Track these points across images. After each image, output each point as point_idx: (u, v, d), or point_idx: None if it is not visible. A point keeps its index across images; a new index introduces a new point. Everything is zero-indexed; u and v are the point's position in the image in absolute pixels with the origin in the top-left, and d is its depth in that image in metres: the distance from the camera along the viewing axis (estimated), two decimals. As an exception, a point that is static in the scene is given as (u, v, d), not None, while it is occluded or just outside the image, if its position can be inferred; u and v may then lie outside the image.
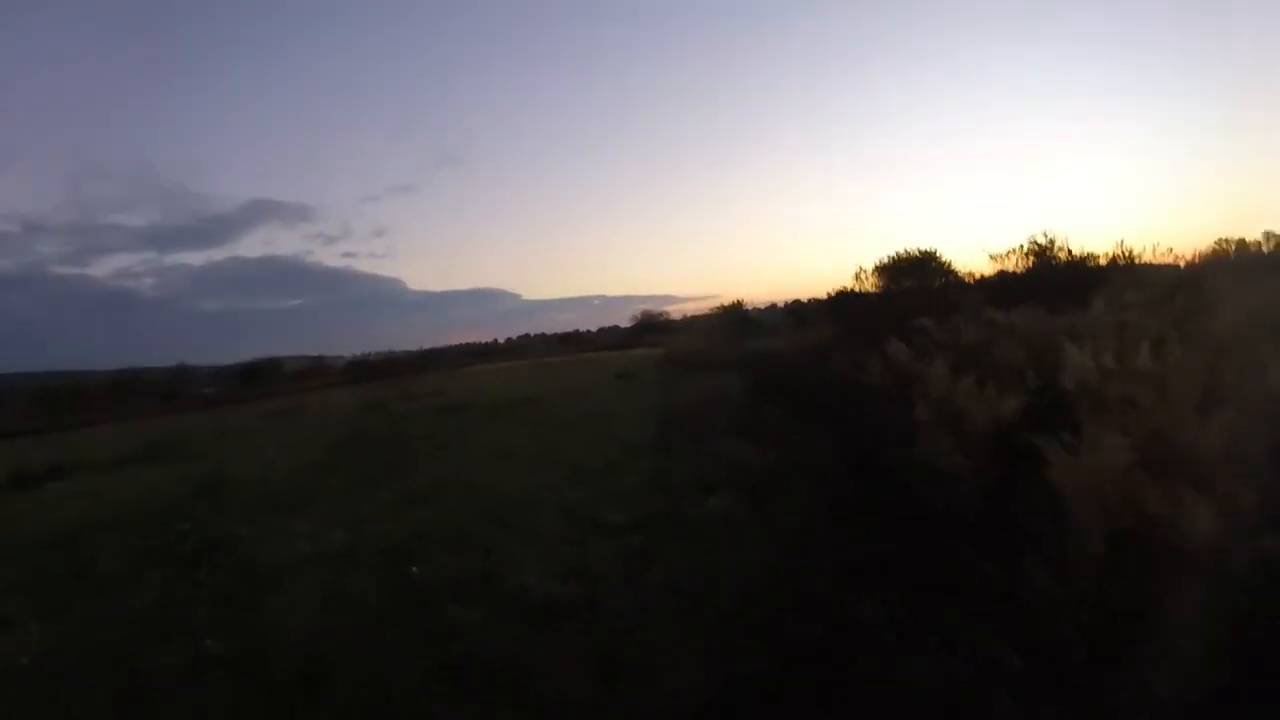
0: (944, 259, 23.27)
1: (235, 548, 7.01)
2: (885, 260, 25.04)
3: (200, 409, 38.22)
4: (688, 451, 8.69)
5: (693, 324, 57.62)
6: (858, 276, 26.36)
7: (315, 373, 72.05)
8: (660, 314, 74.43)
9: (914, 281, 25.10)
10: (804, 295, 33.47)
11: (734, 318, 27.53)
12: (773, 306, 28.50)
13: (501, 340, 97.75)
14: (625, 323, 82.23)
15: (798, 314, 27.52)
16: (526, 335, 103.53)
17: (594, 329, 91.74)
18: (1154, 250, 12.05)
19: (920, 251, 24.22)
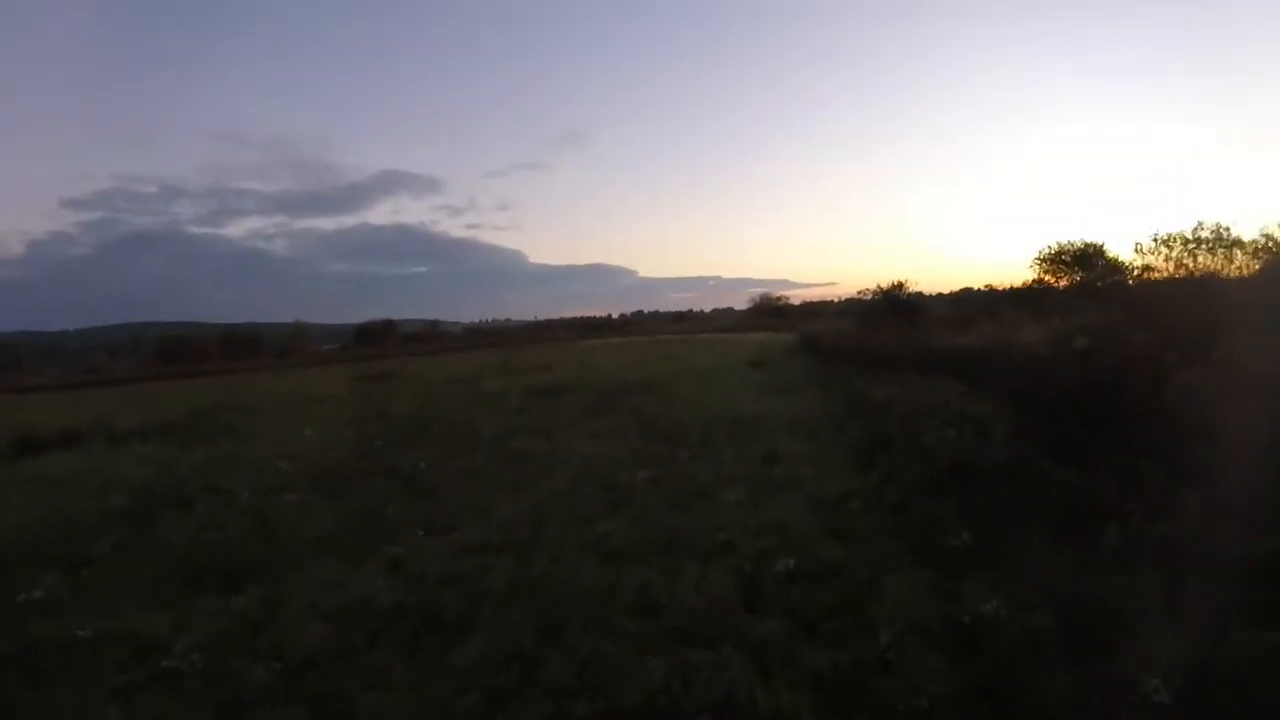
0: (1110, 253, 21.35)
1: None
2: (1049, 252, 22.04)
3: (302, 366, 37.94)
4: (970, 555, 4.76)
5: (835, 309, 53.36)
6: (1041, 266, 22.28)
7: (429, 337, 72.51)
8: (779, 297, 71.74)
9: (1084, 275, 21.46)
10: (959, 284, 28.86)
11: (894, 303, 22.93)
12: (919, 294, 23.70)
13: (615, 315, 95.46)
14: (741, 305, 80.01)
15: (980, 302, 22.83)
16: (640, 312, 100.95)
17: (708, 309, 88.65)
18: None
19: (1085, 244, 22.22)
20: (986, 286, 24.53)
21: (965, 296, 25.86)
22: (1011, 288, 23.61)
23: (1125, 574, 3.92)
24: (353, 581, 5.05)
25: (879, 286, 24.28)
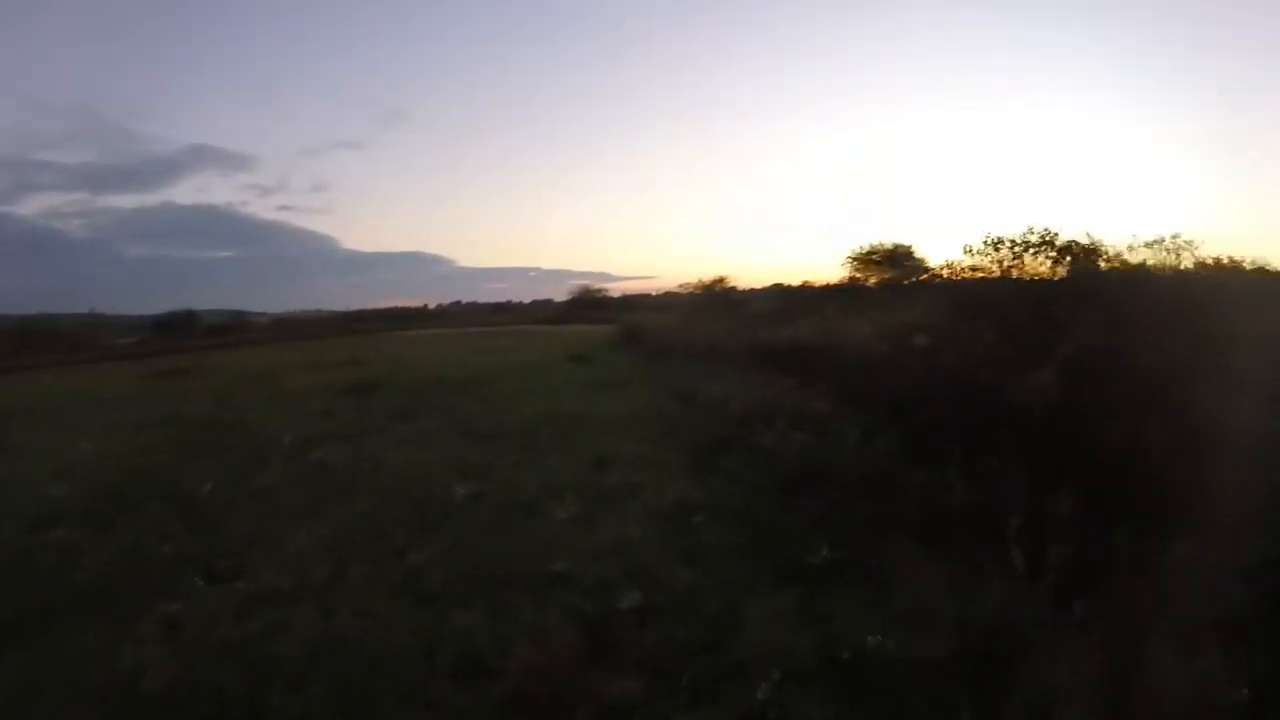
0: (917, 253, 22.32)
1: None
2: (860, 251, 23.12)
3: (93, 362, 32.82)
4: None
5: (654, 302, 53.86)
6: (854, 264, 23.24)
7: (233, 329, 66.55)
8: (598, 290, 71.78)
9: (895, 274, 22.74)
10: (779, 281, 29.83)
11: (719, 298, 23.00)
12: (737, 289, 23.92)
13: (432, 306, 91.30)
14: (560, 296, 79.90)
15: (799, 297, 23.33)
16: (458, 302, 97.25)
17: (528, 300, 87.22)
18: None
19: (894, 245, 23.24)
20: (804, 283, 25.19)
21: (785, 292, 26.52)
22: (828, 285, 24.26)
23: (1010, 589, 3.44)
24: (120, 650, 3.80)
25: (700, 281, 24.33)
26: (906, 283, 21.50)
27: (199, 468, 7.83)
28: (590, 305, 64.71)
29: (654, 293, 73.00)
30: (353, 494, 6.59)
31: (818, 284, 25.25)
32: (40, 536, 5.84)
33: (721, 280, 23.97)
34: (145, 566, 5.03)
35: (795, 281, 28.52)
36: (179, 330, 59.56)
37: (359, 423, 10.49)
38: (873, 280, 22.72)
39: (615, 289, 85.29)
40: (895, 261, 22.98)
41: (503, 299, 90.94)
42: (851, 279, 23.19)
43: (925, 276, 21.31)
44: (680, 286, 25.85)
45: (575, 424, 9.32)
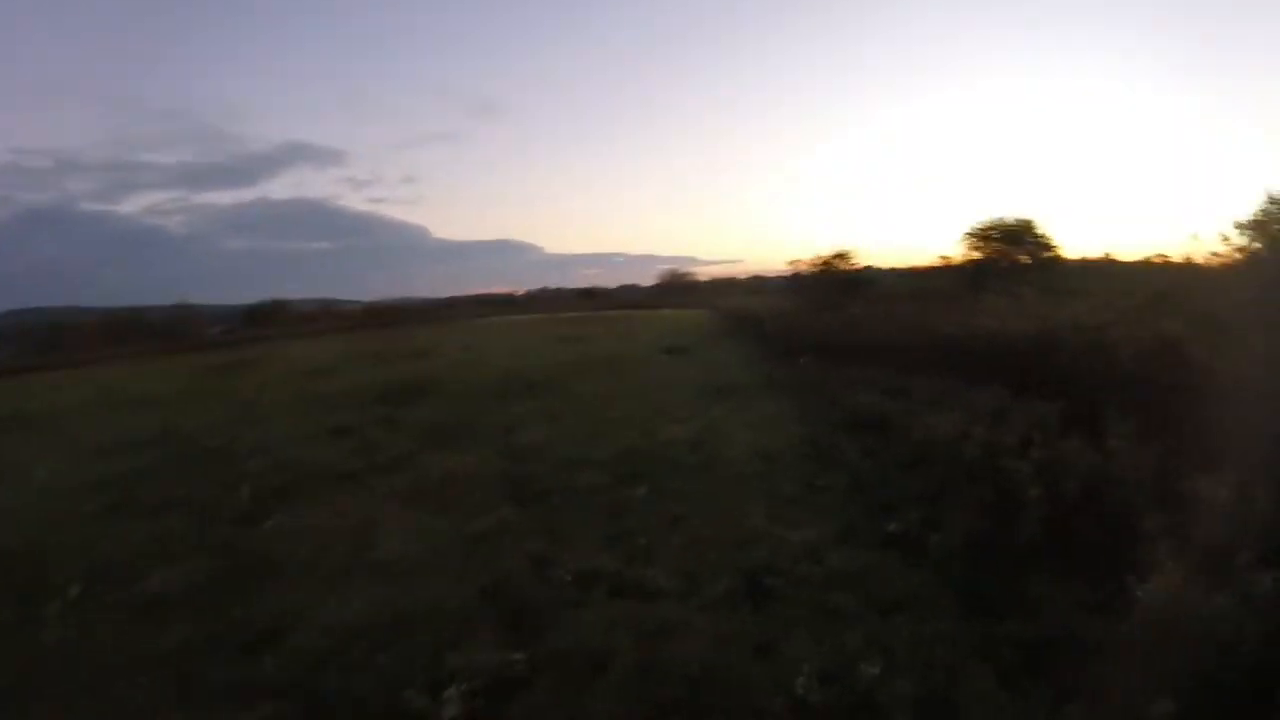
0: (1040, 230, 19.19)
1: None
2: (980, 228, 19.41)
3: (171, 354, 31.85)
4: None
5: (743, 286, 50.28)
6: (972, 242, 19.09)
7: (320, 317, 66.99)
8: (685, 274, 69.43)
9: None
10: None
11: (841, 279, 19.01)
12: (868, 269, 19.59)
13: (520, 292, 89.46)
14: (647, 281, 78.66)
15: (937, 280, 18.99)
16: (545, 288, 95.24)
17: (614, 286, 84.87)
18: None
19: (1016, 221, 19.54)
20: (942, 261, 20.70)
21: (917, 273, 22.04)
22: (965, 262, 19.91)
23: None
24: None
25: (818, 258, 20.31)
26: (1042, 262, 18.45)
27: (108, 549, 4.98)
28: (679, 290, 62.20)
29: (742, 276, 69.40)
30: (278, 644, 3.48)
31: (953, 262, 20.55)
32: None
33: (843, 256, 19.92)
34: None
35: (900, 265, 24.19)
36: (268, 319, 60.22)
37: (372, 451, 7.60)
38: (1005, 260, 18.57)
39: (703, 274, 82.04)
40: (1015, 239, 18.81)
41: (590, 284, 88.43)
42: (982, 258, 18.93)
43: (1051, 254, 18.81)
44: (791, 264, 21.64)
45: (687, 465, 6.03)
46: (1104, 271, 20.22)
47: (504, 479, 6.11)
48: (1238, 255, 9.98)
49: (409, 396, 11.10)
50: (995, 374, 6.95)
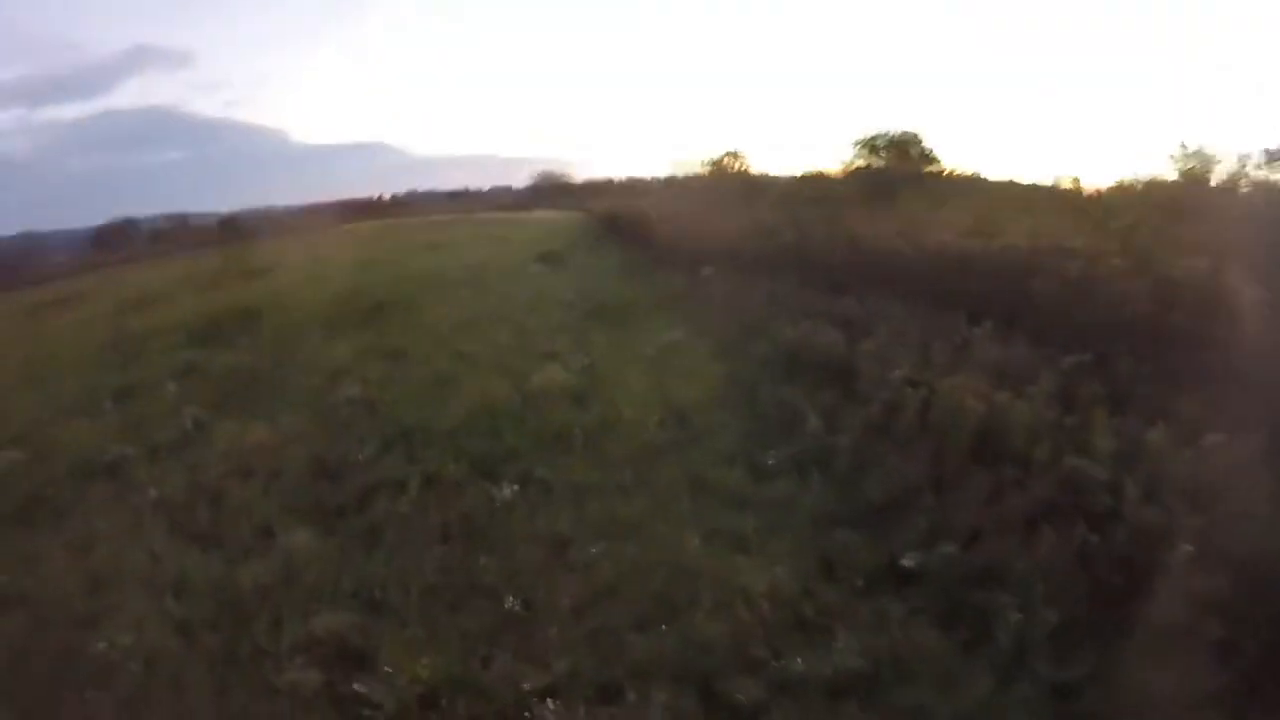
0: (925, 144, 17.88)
1: None
2: (866, 139, 17.69)
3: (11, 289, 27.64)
4: None
5: (620, 188, 47.96)
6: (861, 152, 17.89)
7: (174, 235, 60.82)
8: (560, 175, 65.72)
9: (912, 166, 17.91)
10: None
11: (736, 183, 17.45)
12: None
13: (387, 197, 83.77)
14: (520, 183, 74.52)
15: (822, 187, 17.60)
16: (414, 191, 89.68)
17: (486, 188, 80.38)
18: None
19: (901, 133, 18.12)
20: (815, 172, 19.49)
21: (810, 180, 20.66)
22: (853, 171, 18.59)
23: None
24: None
25: (712, 160, 18.63)
26: (936, 176, 16.91)
27: None
28: (554, 192, 58.48)
29: (621, 178, 66.07)
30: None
31: (848, 170, 19.12)
32: None
33: (735, 156, 18.23)
34: None
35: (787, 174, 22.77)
36: (118, 242, 55.33)
37: (153, 424, 5.84)
38: (897, 172, 17.46)
39: (578, 176, 77.86)
40: (902, 152, 17.67)
41: (460, 186, 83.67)
42: (872, 168, 17.72)
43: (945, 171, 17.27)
44: (676, 166, 19.98)
45: (571, 435, 4.24)
46: (992, 190, 19.12)
47: (311, 468, 4.31)
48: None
49: (230, 331, 9.00)
50: (956, 300, 5.48)
